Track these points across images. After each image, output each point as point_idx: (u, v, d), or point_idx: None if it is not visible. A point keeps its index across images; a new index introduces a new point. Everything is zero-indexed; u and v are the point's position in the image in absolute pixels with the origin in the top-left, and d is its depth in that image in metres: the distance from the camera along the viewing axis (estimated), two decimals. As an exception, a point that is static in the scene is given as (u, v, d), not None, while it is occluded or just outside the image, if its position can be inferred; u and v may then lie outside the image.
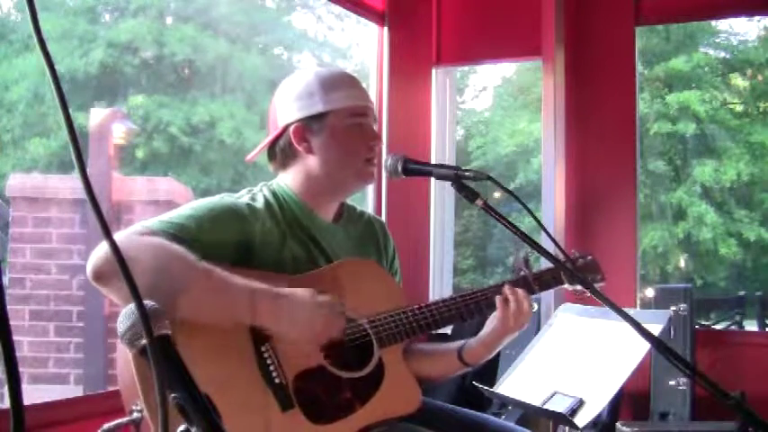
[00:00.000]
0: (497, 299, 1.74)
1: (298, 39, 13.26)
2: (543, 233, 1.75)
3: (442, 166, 1.73)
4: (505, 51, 3.66)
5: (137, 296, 0.96)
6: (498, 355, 2.64)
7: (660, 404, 2.89)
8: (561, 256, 1.69)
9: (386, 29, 3.28)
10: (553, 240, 1.72)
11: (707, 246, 12.17)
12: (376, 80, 3.29)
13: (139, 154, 11.29)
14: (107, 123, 5.98)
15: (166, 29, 11.75)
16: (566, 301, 2.04)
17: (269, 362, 1.55)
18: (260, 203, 1.71)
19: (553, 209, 3.18)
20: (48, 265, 5.46)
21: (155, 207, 5.50)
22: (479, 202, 1.62)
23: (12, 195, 5.53)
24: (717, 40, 12.91)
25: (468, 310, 1.75)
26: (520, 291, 1.74)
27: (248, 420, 1.50)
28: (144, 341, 1.10)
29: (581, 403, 1.72)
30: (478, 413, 1.90)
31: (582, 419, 1.70)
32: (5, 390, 0.77)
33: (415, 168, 1.75)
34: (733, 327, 8.05)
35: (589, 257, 1.92)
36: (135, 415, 1.35)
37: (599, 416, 1.80)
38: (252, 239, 1.64)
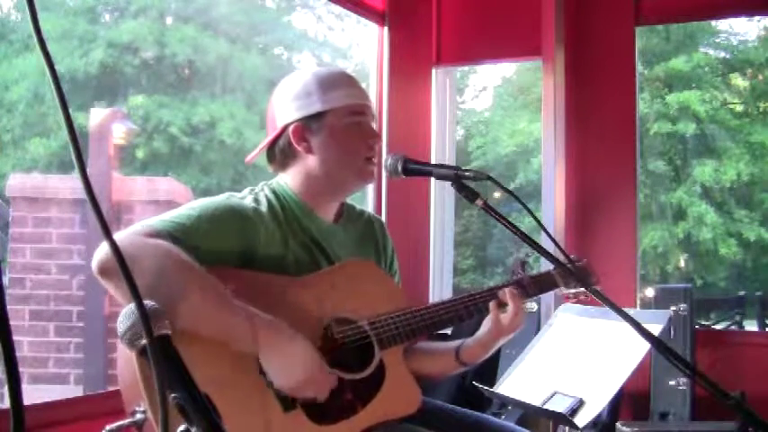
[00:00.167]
0: (492, 303, 1.76)
1: (298, 39, 13.25)
2: (543, 233, 1.76)
3: (442, 166, 1.73)
4: (505, 51, 3.66)
5: (137, 296, 0.96)
6: (498, 354, 2.65)
7: (660, 404, 2.89)
8: (561, 257, 1.69)
9: (386, 29, 3.28)
10: (553, 240, 1.72)
11: (707, 246, 12.17)
12: (376, 80, 3.29)
13: (139, 154, 11.29)
14: (107, 123, 5.98)
15: (167, 29, 11.75)
16: (566, 302, 2.04)
17: None
18: (264, 206, 1.70)
19: (553, 209, 3.18)
20: (48, 265, 5.46)
21: (155, 207, 5.50)
22: (479, 202, 1.62)
23: (12, 195, 5.53)
24: (717, 40, 12.91)
25: (467, 311, 1.77)
26: (515, 294, 1.75)
27: (250, 420, 1.50)
28: (144, 341, 1.10)
29: (581, 403, 1.72)
30: (478, 413, 1.90)
31: (582, 419, 1.70)
32: (5, 390, 0.77)
33: (415, 168, 1.75)
34: (733, 327, 8.05)
35: (584, 260, 1.94)
36: (138, 416, 1.35)
37: (599, 416, 1.80)
38: (255, 243, 1.64)
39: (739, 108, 13.02)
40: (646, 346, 1.71)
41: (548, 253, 1.58)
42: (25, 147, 10.50)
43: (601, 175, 3.32)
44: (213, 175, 11.68)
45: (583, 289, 1.84)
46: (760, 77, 12.92)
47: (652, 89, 12.53)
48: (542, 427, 2.84)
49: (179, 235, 1.52)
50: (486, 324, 1.77)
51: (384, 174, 1.83)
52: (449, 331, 2.68)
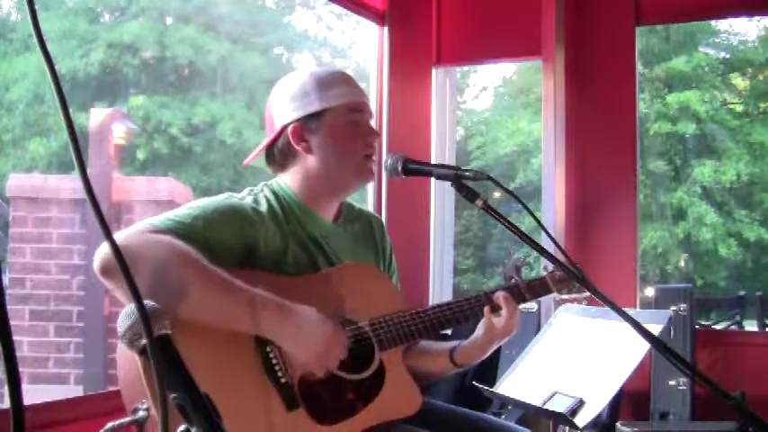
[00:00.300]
0: (486, 307, 1.77)
1: (298, 39, 13.26)
2: (543, 233, 1.75)
3: (441, 165, 1.73)
4: (505, 51, 3.66)
5: (137, 296, 0.96)
6: (498, 354, 2.66)
7: (660, 404, 2.89)
8: (561, 257, 1.69)
9: (386, 29, 3.28)
10: (553, 240, 1.72)
11: (707, 246, 12.17)
12: (376, 80, 3.29)
13: (140, 154, 11.29)
14: (107, 123, 5.99)
15: (167, 29, 11.76)
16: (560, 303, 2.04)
17: (275, 362, 1.55)
18: (264, 207, 1.70)
19: (553, 209, 3.18)
20: (48, 265, 5.47)
21: (155, 207, 5.50)
22: (479, 202, 1.62)
23: (12, 195, 5.53)
24: (717, 40, 12.91)
25: (464, 315, 1.79)
26: (508, 299, 1.77)
27: (252, 419, 1.51)
28: (144, 341, 1.10)
29: (581, 403, 1.72)
30: (479, 413, 1.90)
31: (582, 419, 1.70)
32: (5, 390, 0.77)
33: (415, 168, 1.74)
34: (733, 327, 8.04)
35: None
36: (140, 413, 1.35)
37: (599, 416, 1.80)
38: (256, 243, 1.64)
39: (739, 108, 13.02)
40: (646, 346, 1.71)
41: (548, 253, 1.57)
42: (25, 147, 10.50)
43: (601, 175, 3.32)
44: (213, 175, 11.68)
45: (576, 295, 1.86)
46: (760, 77, 12.92)
47: (652, 89, 12.53)
48: (542, 427, 2.84)
49: (181, 231, 1.53)
50: (481, 327, 1.79)
51: (384, 174, 1.83)
52: (449, 331, 2.68)
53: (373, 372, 1.67)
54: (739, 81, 13.16)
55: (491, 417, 1.95)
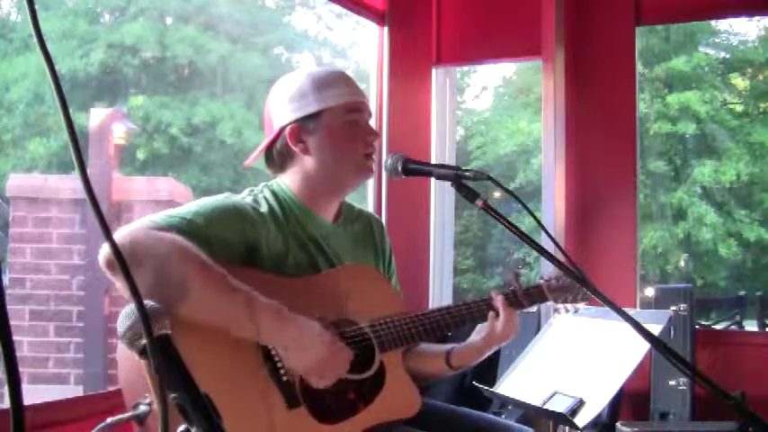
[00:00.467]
0: (491, 313, 1.79)
1: (298, 39, 13.26)
2: (543, 233, 1.75)
3: (441, 165, 1.73)
4: (505, 51, 3.66)
5: (137, 296, 0.96)
6: (498, 355, 2.65)
7: (660, 404, 2.89)
8: (561, 257, 1.69)
9: (386, 29, 3.28)
10: (553, 240, 1.72)
11: (707, 246, 12.17)
12: (376, 80, 3.29)
13: (140, 154, 11.30)
14: (107, 123, 5.99)
15: (167, 29, 11.76)
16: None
17: (277, 359, 1.55)
18: (264, 208, 1.70)
19: (553, 209, 3.18)
20: (48, 265, 5.47)
21: (155, 207, 5.50)
22: (479, 202, 1.62)
23: (12, 195, 5.53)
24: (717, 40, 12.91)
25: (463, 319, 1.80)
26: (505, 303, 1.79)
27: (253, 419, 1.51)
28: (144, 341, 1.10)
29: (581, 403, 1.72)
30: (479, 413, 1.90)
31: (582, 419, 1.70)
32: (5, 390, 0.77)
33: (415, 168, 1.74)
34: (733, 327, 8.04)
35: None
36: (141, 408, 1.35)
37: (599, 416, 1.80)
38: (258, 243, 1.64)
39: (739, 108, 13.03)
40: (646, 346, 1.71)
41: (548, 253, 1.57)
42: (25, 147, 10.51)
43: (601, 175, 3.32)
44: (213, 175, 11.69)
45: (572, 304, 1.88)
46: (760, 77, 12.92)
47: (652, 89, 12.53)
48: (542, 427, 2.84)
49: (183, 228, 1.53)
50: (479, 332, 1.81)
51: (384, 174, 1.83)
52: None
53: (374, 372, 1.67)
54: (739, 81, 13.17)
55: (491, 416, 1.96)
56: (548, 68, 3.26)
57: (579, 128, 3.30)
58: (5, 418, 0.76)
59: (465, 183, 1.65)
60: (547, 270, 2.44)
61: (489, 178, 1.64)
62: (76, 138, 0.87)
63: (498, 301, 1.80)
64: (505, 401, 2.31)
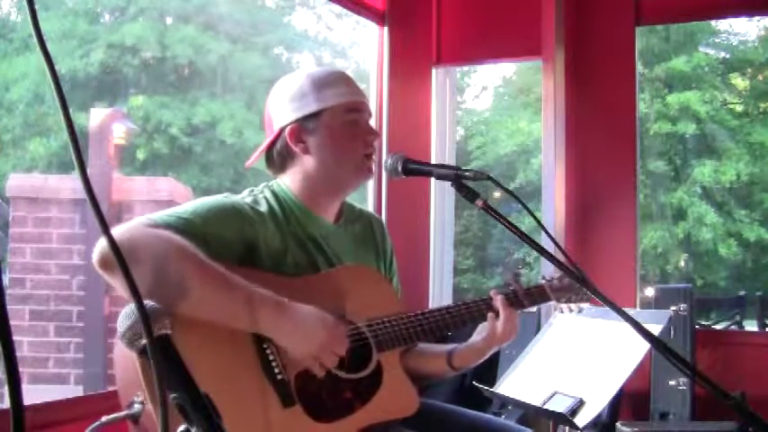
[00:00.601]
0: (490, 314, 1.79)
1: (298, 39, 13.26)
2: (543, 233, 1.75)
3: (441, 166, 1.73)
4: (505, 51, 3.66)
5: (137, 296, 0.95)
6: (498, 355, 2.65)
7: (660, 404, 2.89)
8: (561, 257, 1.70)
9: (386, 29, 3.28)
10: (553, 240, 1.72)
11: (707, 246, 12.17)
12: (376, 80, 3.29)
13: (140, 154, 11.30)
14: (107, 123, 5.99)
15: (167, 29, 11.76)
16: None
17: (271, 358, 1.55)
18: (264, 207, 1.70)
19: (553, 209, 3.18)
20: (48, 265, 5.47)
21: (155, 207, 5.49)
22: (479, 202, 1.62)
23: (12, 195, 5.53)
24: (717, 40, 12.91)
25: (463, 319, 1.80)
26: (505, 303, 1.79)
27: (250, 418, 1.51)
28: (144, 341, 1.10)
29: (581, 403, 1.72)
30: (478, 413, 1.90)
31: (582, 419, 1.70)
32: (5, 390, 0.77)
33: (415, 168, 1.74)
34: (733, 327, 8.04)
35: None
36: (136, 407, 1.35)
37: (599, 416, 1.80)
38: (255, 242, 1.64)
39: (739, 108, 13.02)
40: (646, 346, 1.71)
41: (548, 253, 1.57)
42: (25, 147, 10.51)
43: (601, 175, 3.32)
44: (213, 175, 11.69)
45: (576, 304, 1.88)
46: (760, 77, 12.92)
47: (652, 89, 12.53)
48: (542, 427, 2.84)
49: (180, 227, 1.53)
50: (480, 333, 1.80)
51: (384, 174, 1.83)
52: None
53: (371, 372, 1.67)
54: (739, 81, 13.17)
55: (490, 416, 1.95)
56: (548, 68, 3.26)
57: (579, 128, 3.30)
58: (5, 418, 0.76)
59: (465, 183, 1.65)
60: (547, 270, 2.45)
61: (489, 178, 1.64)
62: (76, 138, 0.87)
63: (498, 301, 1.79)
64: (505, 401, 2.31)
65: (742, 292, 9.75)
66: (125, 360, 1.41)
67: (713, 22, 11.94)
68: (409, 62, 3.39)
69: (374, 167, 1.82)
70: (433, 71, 3.55)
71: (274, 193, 1.76)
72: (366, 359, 1.67)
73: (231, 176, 11.65)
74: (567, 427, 1.89)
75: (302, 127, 1.74)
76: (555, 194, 3.19)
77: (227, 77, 11.93)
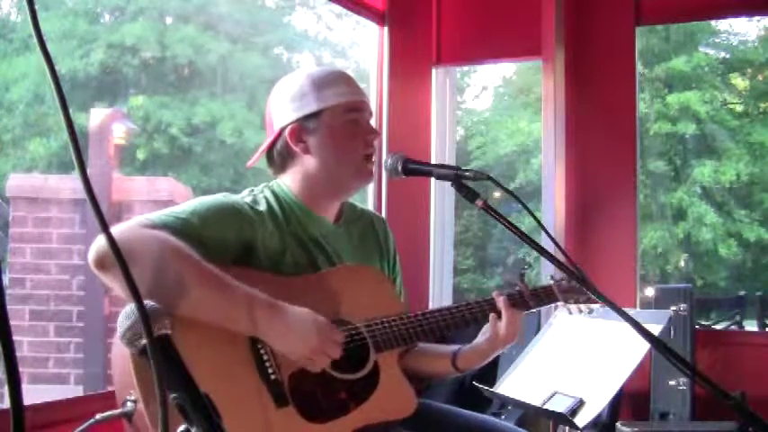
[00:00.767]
0: (492, 315, 1.77)
1: (298, 38, 13.26)
2: (543, 233, 1.75)
3: (441, 165, 1.73)
4: (505, 51, 3.66)
5: (137, 296, 0.95)
6: (499, 355, 2.65)
7: (660, 404, 2.89)
8: (562, 257, 1.70)
9: (386, 29, 3.28)
10: (553, 240, 1.72)
11: (707, 246, 12.17)
12: (376, 80, 3.29)
13: (140, 154, 11.30)
14: (107, 123, 5.99)
15: (167, 29, 11.76)
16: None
17: (265, 357, 1.55)
18: (263, 206, 1.70)
19: (553, 209, 3.18)
20: (48, 265, 5.47)
21: (155, 207, 5.45)
22: (479, 202, 1.62)
23: (12, 195, 5.53)
24: (717, 40, 12.91)
25: (464, 320, 1.78)
26: (508, 305, 1.77)
27: (243, 415, 1.50)
28: (144, 341, 1.10)
29: (581, 403, 1.72)
30: (476, 414, 1.90)
31: (582, 419, 1.70)
32: (5, 390, 0.77)
33: (415, 168, 1.74)
34: (733, 327, 8.03)
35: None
36: (129, 405, 1.35)
37: (599, 416, 1.80)
38: (254, 242, 1.64)
39: (739, 108, 13.02)
40: (646, 346, 1.71)
41: (548, 253, 1.57)
42: (25, 147, 10.51)
43: (601, 175, 3.32)
44: (213, 176, 11.69)
45: (585, 305, 1.85)
46: (760, 77, 12.92)
47: (652, 89, 12.53)
48: (542, 427, 2.84)
49: (178, 227, 1.53)
50: (484, 334, 1.79)
51: (384, 174, 1.83)
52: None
53: (367, 372, 1.66)
54: (739, 81, 13.17)
55: (486, 416, 1.94)
56: (548, 68, 3.26)
57: (579, 128, 3.30)
58: (5, 418, 0.76)
59: (465, 183, 1.65)
60: (548, 270, 2.44)
61: (489, 178, 1.64)
62: (76, 138, 0.87)
63: (500, 302, 1.78)
64: (505, 401, 2.31)
65: (742, 293, 9.75)
66: (122, 361, 1.42)
67: (713, 22, 11.94)
68: (409, 62, 3.39)
69: (374, 169, 1.81)
70: (433, 71, 3.55)
71: (274, 193, 1.76)
72: (363, 359, 1.67)
73: (231, 176, 11.65)
74: (566, 427, 1.89)
75: (302, 127, 1.74)
76: (555, 194, 3.19)
77: (227, 77, 11.93)
